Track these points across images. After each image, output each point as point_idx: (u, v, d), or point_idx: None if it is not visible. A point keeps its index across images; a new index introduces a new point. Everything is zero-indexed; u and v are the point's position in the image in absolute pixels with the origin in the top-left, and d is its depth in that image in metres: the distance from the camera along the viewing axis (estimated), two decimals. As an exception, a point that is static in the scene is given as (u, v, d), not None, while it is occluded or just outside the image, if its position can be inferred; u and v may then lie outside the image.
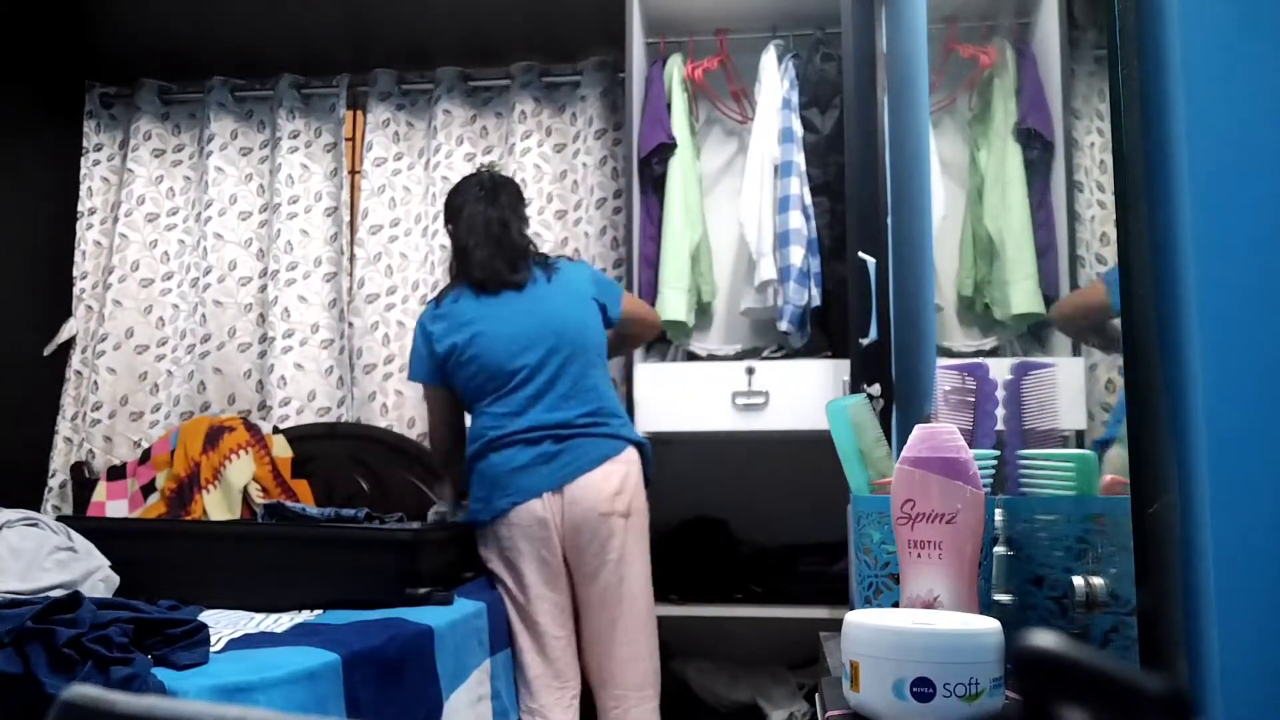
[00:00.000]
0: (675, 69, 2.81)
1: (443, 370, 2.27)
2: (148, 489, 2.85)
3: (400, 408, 3.01)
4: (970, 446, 0.91)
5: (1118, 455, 0.78)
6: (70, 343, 3.14)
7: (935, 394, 1.17)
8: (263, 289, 3.10)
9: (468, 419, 2.33)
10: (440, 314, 2.28)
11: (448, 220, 2.42)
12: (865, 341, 2.02)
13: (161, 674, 1.26)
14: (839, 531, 2.16)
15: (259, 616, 1.76)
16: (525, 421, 2.16)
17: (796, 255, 2.54)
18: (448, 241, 2.98)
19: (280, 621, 1.71)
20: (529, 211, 2.98)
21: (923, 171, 1.76)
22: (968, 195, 1.49)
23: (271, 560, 1.96)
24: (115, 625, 1.26)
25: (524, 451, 2.14)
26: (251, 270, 3.13)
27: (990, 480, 1.00)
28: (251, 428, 2.85)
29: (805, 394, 2.44)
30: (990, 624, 0.77)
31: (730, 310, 2.87)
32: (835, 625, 0.89)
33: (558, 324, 2.21)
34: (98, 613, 1.28)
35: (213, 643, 1.49)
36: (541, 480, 2.13)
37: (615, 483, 2.14)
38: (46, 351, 3.10)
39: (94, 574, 1.79)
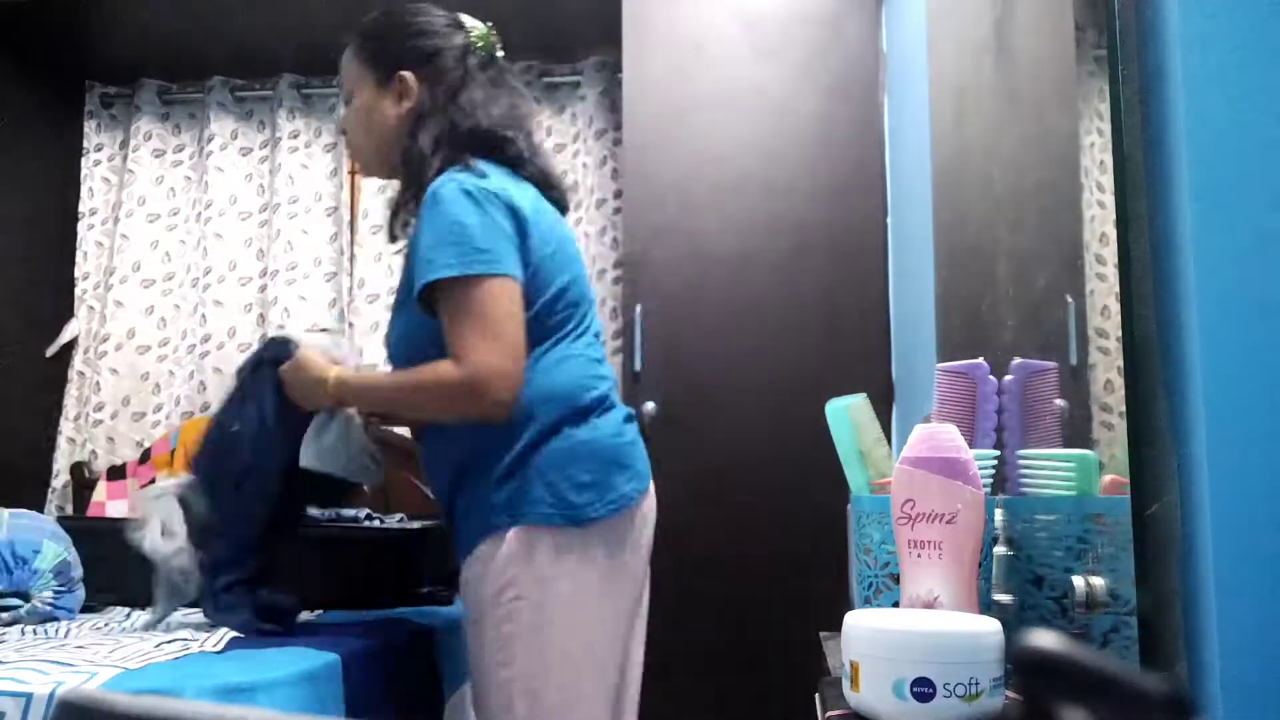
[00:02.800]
0: (675, 69, 2.81)
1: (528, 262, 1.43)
2: (148, 489, 2.86)
3: (400, 408, 3.00)
4: (970, 446, 0.91)
5: (1118, 455, 0.78)
6: (73, 343, 3.14)
7: (935, 394, 1.17)
8: (263, 289, 3.09)
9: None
10: (510, 193, 1.42)
11: (427, 63, 1.61)
12: None
13: (159, 673, 1.27)
14: (839, 531, 2.15)
15: (259, 616, 1.75)
16: (613, 378, 1.52)
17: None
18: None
19: (280, 621, 1.70)
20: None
21: (923, 171, 1.76)
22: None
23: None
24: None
25: (631, 422, 1.50)
26: (251, 270, 3.13)
27: (990, 480, 1.00)
28: (252, 428, 2.85)
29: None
30: (990, 624, 0.77)
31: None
32: (835, 625, 0.89)
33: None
34: None
35: (213, 643, 1.49)
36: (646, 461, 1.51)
37: None
38: (49, 352, 3.10)
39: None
